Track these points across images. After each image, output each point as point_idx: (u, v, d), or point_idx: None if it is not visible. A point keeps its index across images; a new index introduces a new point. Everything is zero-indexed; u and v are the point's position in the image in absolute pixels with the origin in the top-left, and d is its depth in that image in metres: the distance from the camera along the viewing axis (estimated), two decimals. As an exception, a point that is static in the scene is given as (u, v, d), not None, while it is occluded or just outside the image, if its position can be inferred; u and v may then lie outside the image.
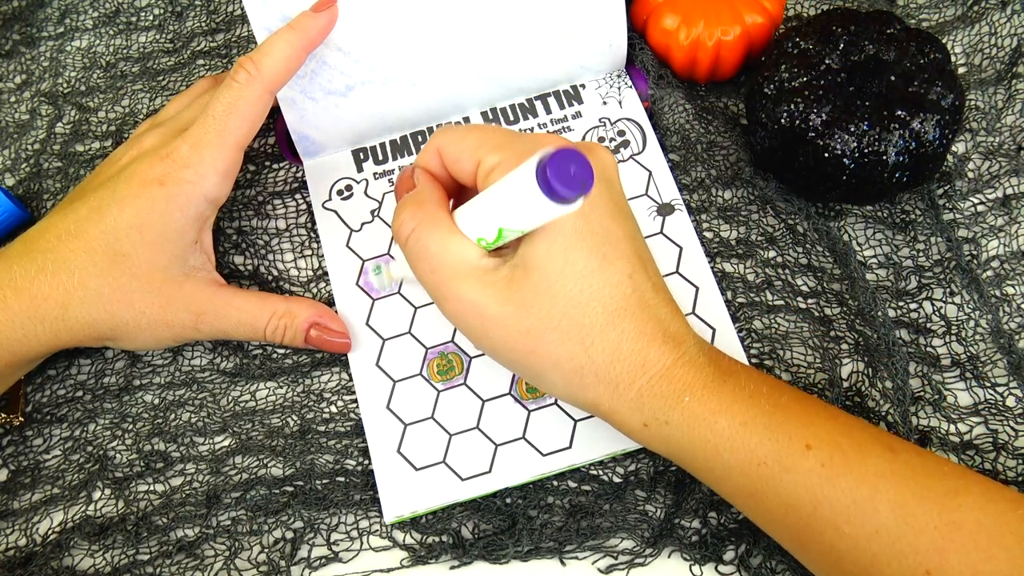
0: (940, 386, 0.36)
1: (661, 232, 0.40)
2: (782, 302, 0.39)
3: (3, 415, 0.38)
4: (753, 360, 0.38)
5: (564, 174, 0.25)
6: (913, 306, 0.38)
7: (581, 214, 0.29)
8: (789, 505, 0.28)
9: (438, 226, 0.30)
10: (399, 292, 0.39)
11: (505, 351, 0.30)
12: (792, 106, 0.36)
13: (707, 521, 0.35)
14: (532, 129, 0.43)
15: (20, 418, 0.39)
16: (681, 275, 0.39)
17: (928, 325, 0.38)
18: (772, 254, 0.40)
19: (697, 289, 0.38)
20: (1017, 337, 0.37)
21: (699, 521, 0.35)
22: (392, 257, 0.40)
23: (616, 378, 0.29)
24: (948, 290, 0.38)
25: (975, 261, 0.39)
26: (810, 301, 0.39)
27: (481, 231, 0.29)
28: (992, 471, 0.35)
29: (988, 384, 0.36)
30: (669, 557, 0.34)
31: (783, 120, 0.37)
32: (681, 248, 0.39)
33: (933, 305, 0.38)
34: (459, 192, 0.34)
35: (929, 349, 0.37)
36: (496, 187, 0.28)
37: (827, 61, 0.37)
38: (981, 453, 0.35)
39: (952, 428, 0.36)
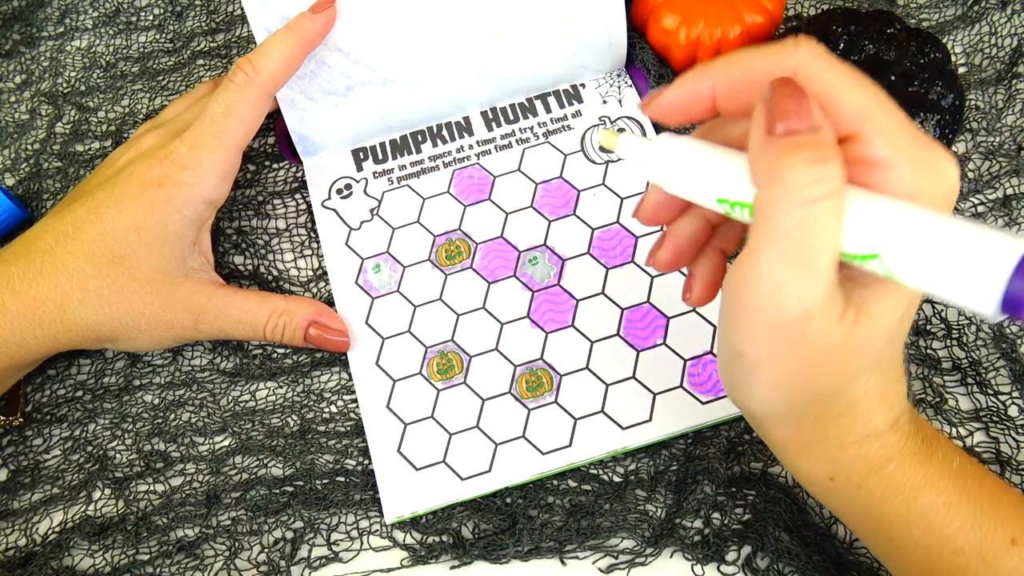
0: (941, 389, 0.36)
1: (661, 231, 0.40)
2: (782, 302, 0.39)
3: (2, 417, 0.38)
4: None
5: None
6: (913, 306, 0.38)
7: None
8: None
9: (841, 205, 0.21)
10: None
11: (787, 361, 0.23)
12: (792, 106, 0.36)
13: (709, 521, 0.35)
14: (531, 128, 0.43)
15: (20, 419, 0.39)
16: (682, 274, 0.38)
17: (928, 327, 0.38)
18: (772, 254, 0.40)
19: None
20: (1019, 342, 0.37)
21: (701, 521, 0.35)
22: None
23: (835, 426, 0.26)
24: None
25: (975, 261, 0.39)
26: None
27: (862, 246, 0.22)
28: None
29: (991, 392, 0.36)
30: (671, 557, 0.34)
31: (783, 120, 0.37)
32: (681, 248, 0.39)
33: (934, 308, 0.38)
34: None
35: (929, 351, 0.37)
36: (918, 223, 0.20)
37: (827, 61, 0.37)
38: (984, 463, 0.35)
39: (954, 432, 0.36)
